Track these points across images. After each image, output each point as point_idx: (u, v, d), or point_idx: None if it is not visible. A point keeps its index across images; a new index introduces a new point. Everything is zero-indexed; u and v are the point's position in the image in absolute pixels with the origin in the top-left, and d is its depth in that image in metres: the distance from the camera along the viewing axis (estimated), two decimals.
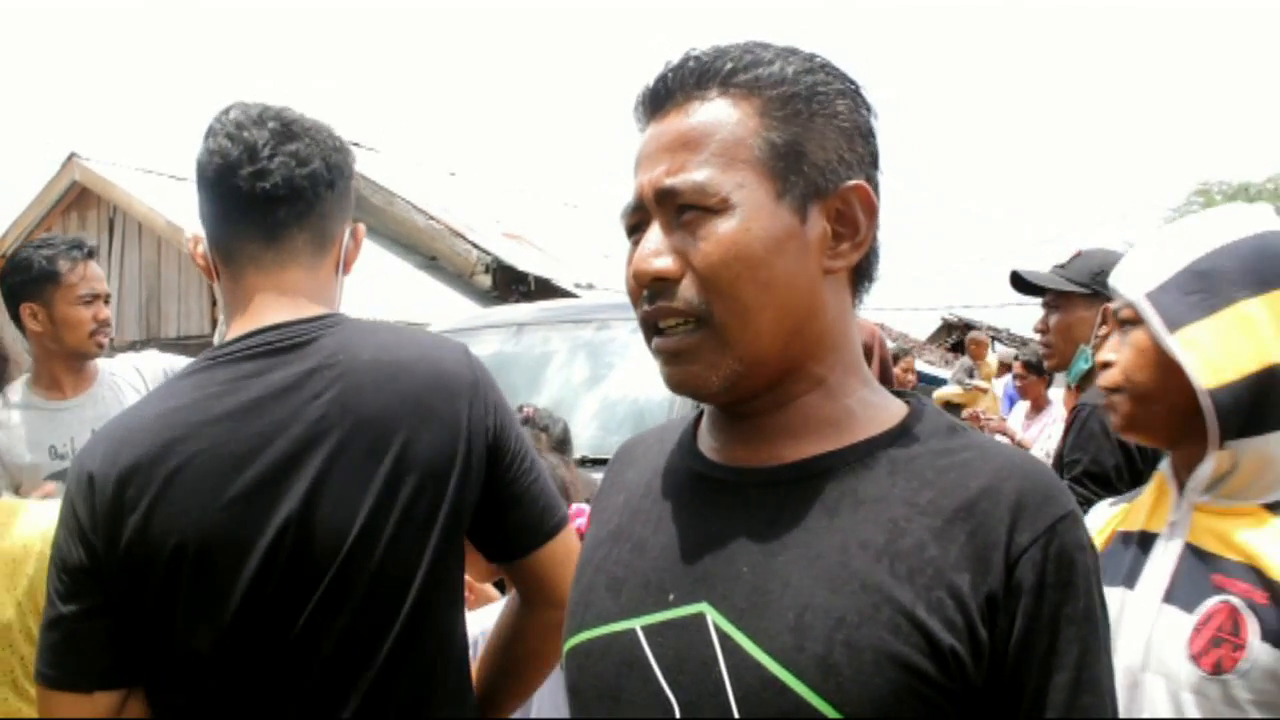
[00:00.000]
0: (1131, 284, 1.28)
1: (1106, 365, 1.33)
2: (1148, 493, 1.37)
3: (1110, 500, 1.51)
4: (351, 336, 1.35)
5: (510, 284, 11.47)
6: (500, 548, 1.42)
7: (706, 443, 0.96)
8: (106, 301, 2.85)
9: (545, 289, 10.90)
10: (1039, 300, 2.53)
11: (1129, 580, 1.29)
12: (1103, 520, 1.43)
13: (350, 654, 1.26)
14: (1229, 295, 1.20)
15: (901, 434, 0.88)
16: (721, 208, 0.85)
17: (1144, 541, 1.31)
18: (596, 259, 13.91)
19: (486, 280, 11.74)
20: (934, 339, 20.08)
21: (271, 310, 1.36)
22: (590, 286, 11.58)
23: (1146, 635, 1.22)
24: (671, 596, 0.86)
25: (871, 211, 0.90)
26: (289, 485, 1.25)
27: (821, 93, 0.88)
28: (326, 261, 1.44)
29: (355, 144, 14.65)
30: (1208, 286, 1.21)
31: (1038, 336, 2.56)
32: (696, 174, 0.85)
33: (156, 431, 1.27)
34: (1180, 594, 1.22)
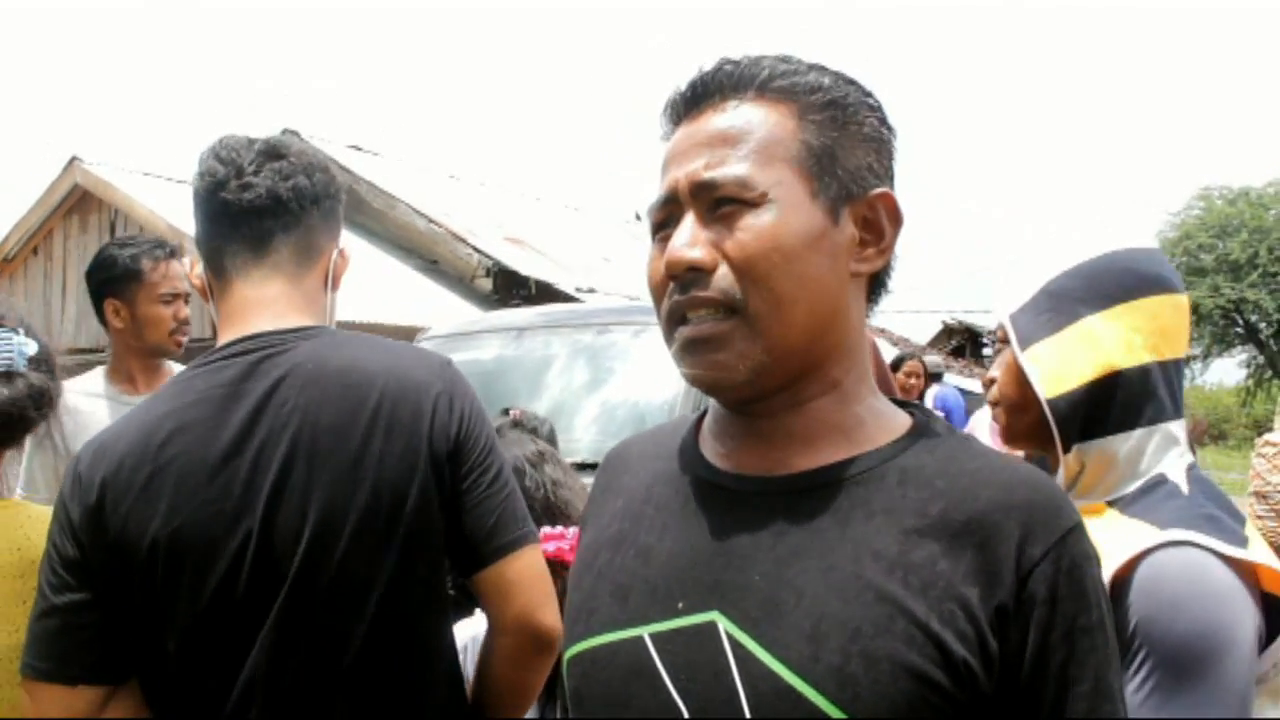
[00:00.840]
0: (1001, 305, 1.40)
1: (992, 382, 1.44)
2: None
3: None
4: (323, 347, 1.39)
5: (511, 288, 11.48)
6: (457, 560, 1.42)
7: (711, 448, 0.95)
8: (187, 301, 2.91)
9: (546, 293, 10.90)
10: None
11: None
12: None
13: (323, 655, 1.30)
14: (1073, 313, 1.31)
15: (909, 444, 0.89)
16: (760, 201, 0.86)
17: None
18: (598, 263, 13.91)
19: (487, 284, 11.75)
20: (935, 343, 20.08)
21: (254, 320, 1.42)
22: (591, 291, 11.58)
23: None
24: (681, 604, 0.86)
25: (896, 220, 0.92)
26: (253, 491, 1.30)
27: (852, 104, 0.91)
28: (312, 274, 1.50)
29: (356, 148, 14.71)
30: (1056, 305, 1.32)
31: None
32: (737, 168, 0.87)
33: (138, 437, 1.33)
34: None
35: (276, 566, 1.29)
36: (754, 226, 0.86)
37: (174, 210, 11.00)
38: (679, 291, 0.88)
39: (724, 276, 0.86)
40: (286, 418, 1.32)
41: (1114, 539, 1.18)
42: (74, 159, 11.49)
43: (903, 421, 0.92)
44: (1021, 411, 1.37)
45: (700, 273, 0.87)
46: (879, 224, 0.92)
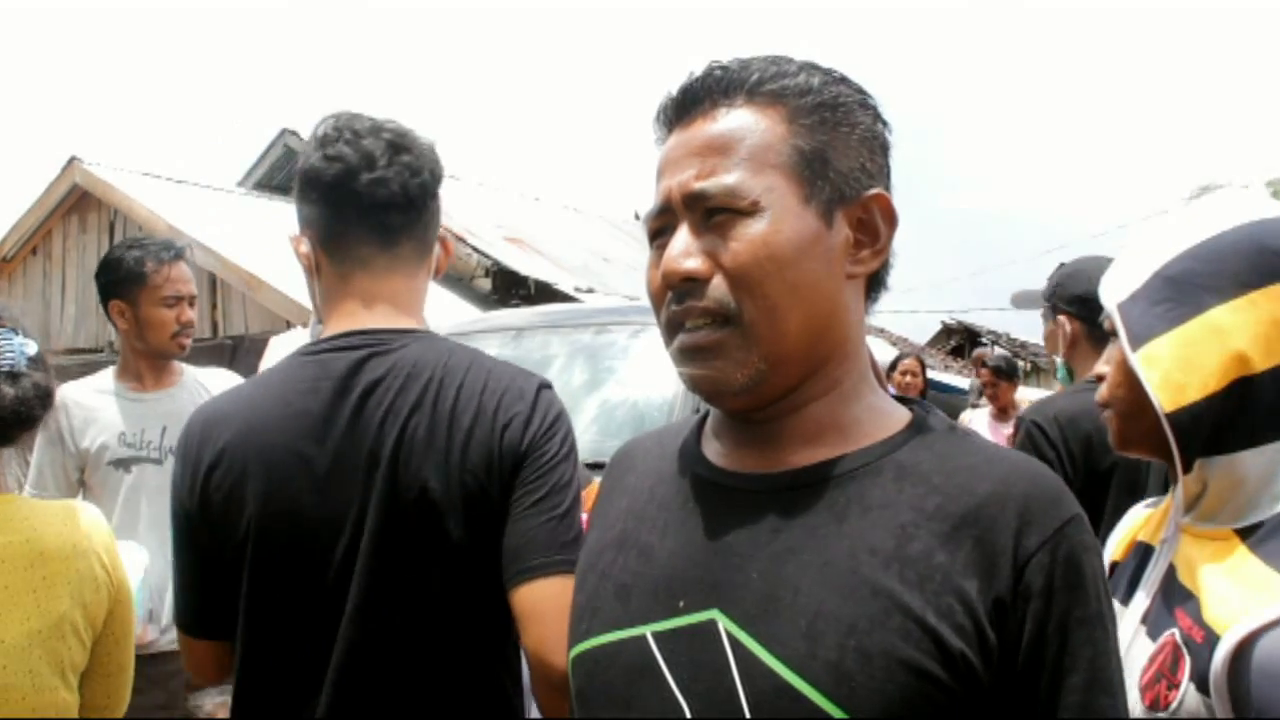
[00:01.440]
0: (1109, 292, 1.20)
1: (1101, 379, 1.27)
2: (1165, 501, 1.28)
3: (1147, 501, 1.40)
4: (427, 352, 1.42)
5: (510, 288, 11.47)
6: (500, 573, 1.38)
7: (712, 448, 0.96)
8: (192, 304, 2.95)
9: (545, 293, 10.89)
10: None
11: (1126, 595, 1.22)
12: (1130, 524, 1.34)
13: (394, 653, 1.35)
14: (1198, 303, 1.09)
15: (907, 440, 0.89)
16: (752, 210, 0.87)
17: (1146, 555, 1.24)
18: (597, 263, 13.90)
19: (486, 284, 11.74)
20: (934, 343, 20.08)
21: (367, 315, 1.46)
22: (590, 291, 11.58)
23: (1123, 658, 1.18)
24: (682, 603, 0.86)
25: (891, 220, 0.92)
26: (347, 487, 1.36)
27: (844, 104, 0.91)
28: (425, 268, 1.54)
29: None
30: (1176, 294, 1.11)
31: (1040, 341, 2.77)
32: (727, 177, 0.87)
33: (245, 418, 1.41)
34: (1152, 619, 1.16)
35: (358, 561, 1.34)
36: (746, 236, 0.86)
37: (174, 211, 10.99)
38: (675, 301, 0.89)
39: (718, 286, 0.87)
40: (383, 418, 1.36)
41: (1242, 591, 1.01)
42: (73, 159, 11.48)
43: (901, 417, 0.92)
44: (1136, 417, 1.18)
45: (696, 282, 0.87)
46: (874, 225, 0.92)
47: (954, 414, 6.93)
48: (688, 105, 0.92)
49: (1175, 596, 1.13)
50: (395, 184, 1.45)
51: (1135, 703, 1.09)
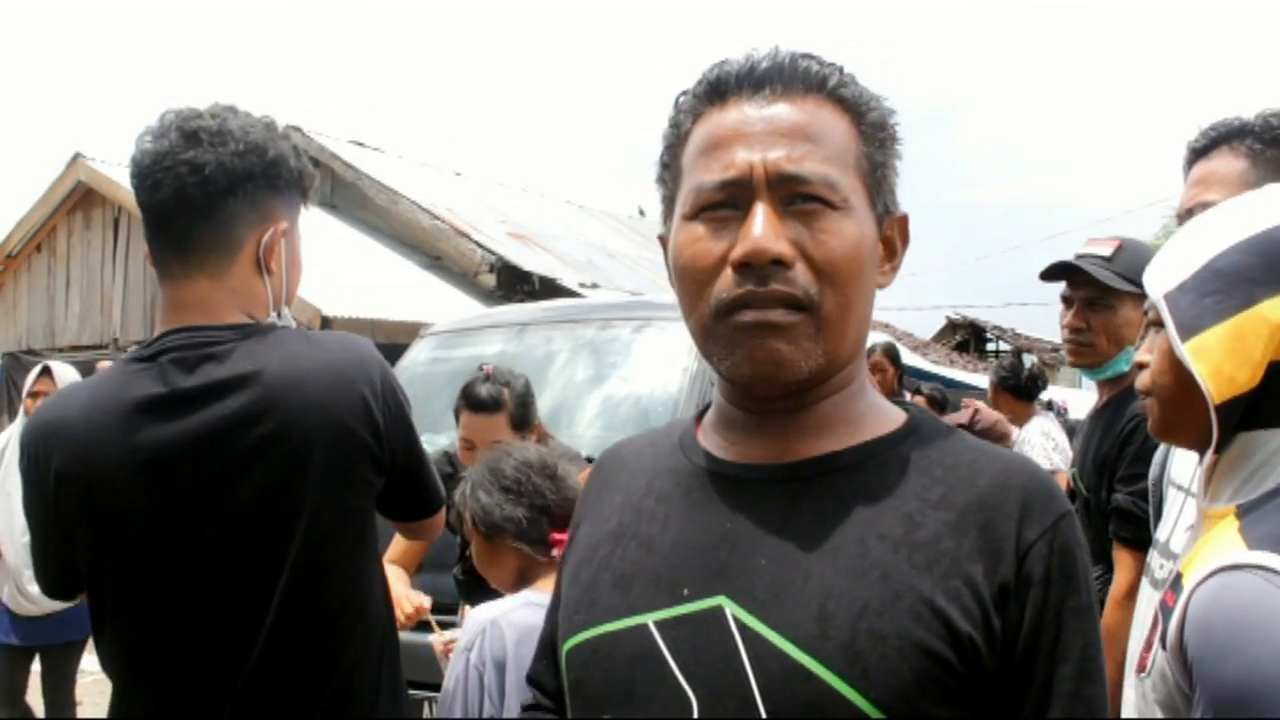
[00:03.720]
0: (1155, 282, 1.19)
1: (1142, 367, 1.28)
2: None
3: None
4: (256, 346, 1.42)
5: (515, 284, 11.47)
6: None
7: (713, 441, 0.96)
8: None
9: (550, 289, 10.90)
10: (1057, 295, 2.38)
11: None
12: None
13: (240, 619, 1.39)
14: (1248, 296, 1.09)
15: (906, 435, 0.91)
16: (842, 206, 0.87)
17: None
18: (601, 259, 13.91)
19: (491, 280, 11.74)
20: (939, 338, 20.07)
21: (175, 318, 1.44)
22: (595, 286, 11.58)
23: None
24: (686, 591, 0.86)
25: (906, 241, 0.96)
26: (182, 491, 1.37)
27: (893, 125, 0.93)
28: (235, 268, 1.46)
29: (359, 144, 14.67)
30: (1226, 287, 1.11)
31: (1063, 334, 2.35)
32: (823, 167, 0.86)
33: (83, 426, 1.40)
34: (1160, 603, 1.18)
35: (207, 545, 1.37)
36: (839, 231, 0.86)
37: None
38: (755, 281, 0.84)
39: (803, 274, 0.85)
40: (227, 417, 1.36)
41: (1208, 554, 1.04)
42: (77, 156, 11.49)
43: (897, 416, 0.94)
44: (1180, 407, 1.19)
45: (780, 266, 0.84)
46: (894, 243, 0.95)
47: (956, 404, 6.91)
48: (762, 80, 0.89)
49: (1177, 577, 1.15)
50: (169, 189, 1.39)
51: (1131, 674, 1.15)
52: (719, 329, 0.87)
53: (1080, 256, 2.26)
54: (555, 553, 1.85)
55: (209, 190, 1.41)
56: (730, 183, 0.87)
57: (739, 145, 0.87)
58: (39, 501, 1.44)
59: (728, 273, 0.86)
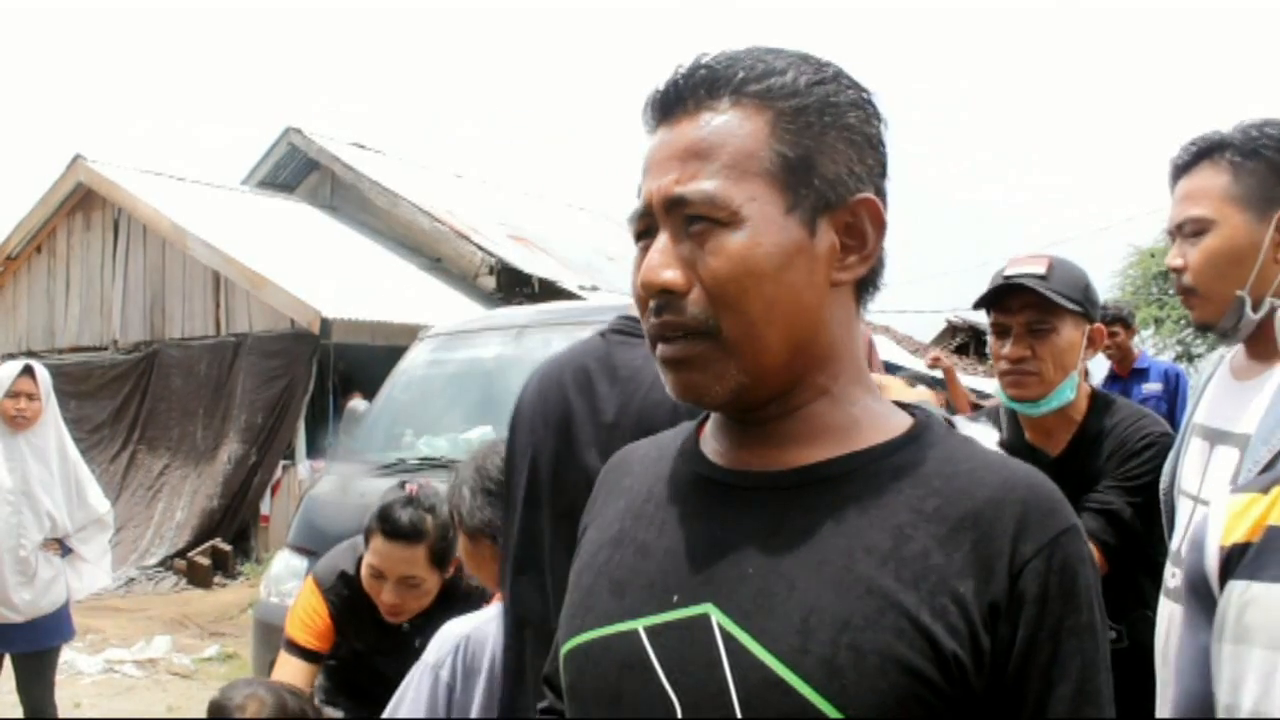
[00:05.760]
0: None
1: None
2: None
3: (1232, 487, 1.31)
4: None
5: (515, 286, 11.48)
6: None
7: (711, 447, 0.95)
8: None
9: (550, 291, 10.90)
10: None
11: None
12: (1229, 512, 1.19)
13: None
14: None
15: (907, 443, 0.88)
16: (731, 221, 0.84)
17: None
18: (601, 261, 13.91)
19: (491, 282, 11.75)
20: (939, 341, 20.06)
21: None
22: (595, 289, 11.58)
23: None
24: (675, 598, 0.86)
25: (880, 225, 0.89)
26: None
27: (833, 104, 0.87)
28: None
29: (360, 146, 14.68)
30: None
31: (999, 366, 2.08)
32: (707, 184, 0.84)
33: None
34: None
35: None
36: (725, 249, 0.84)
37: (177, 209, 11.01)
38: (654, 314, 0.87)
39: (697, 300, 0.84)
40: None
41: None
42: (77, 157, 11.50)
43: (901, 422, 0.91)
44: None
45: (673, 295, 0.85)
46: (861, 230, 0.89)
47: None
48: (672, 103, 0.89)
49: None
50: None
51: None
52: (656, 358, 0.90)
53: (1012, 278, 2.04)
54: None
55: None
56: (641, 214, 0.89)
57: (648, 174, 0.89)
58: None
59: (650, 303, 0.88)
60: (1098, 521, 1.94)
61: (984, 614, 0.79)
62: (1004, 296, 2.04)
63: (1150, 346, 16.77)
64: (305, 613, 2.55)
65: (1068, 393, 2.05)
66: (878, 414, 0.92)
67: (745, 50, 0.89)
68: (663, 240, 0.86)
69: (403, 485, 2.43)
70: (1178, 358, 17.22)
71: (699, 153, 0.85)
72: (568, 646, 0.93)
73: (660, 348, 0.88)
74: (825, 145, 0.87)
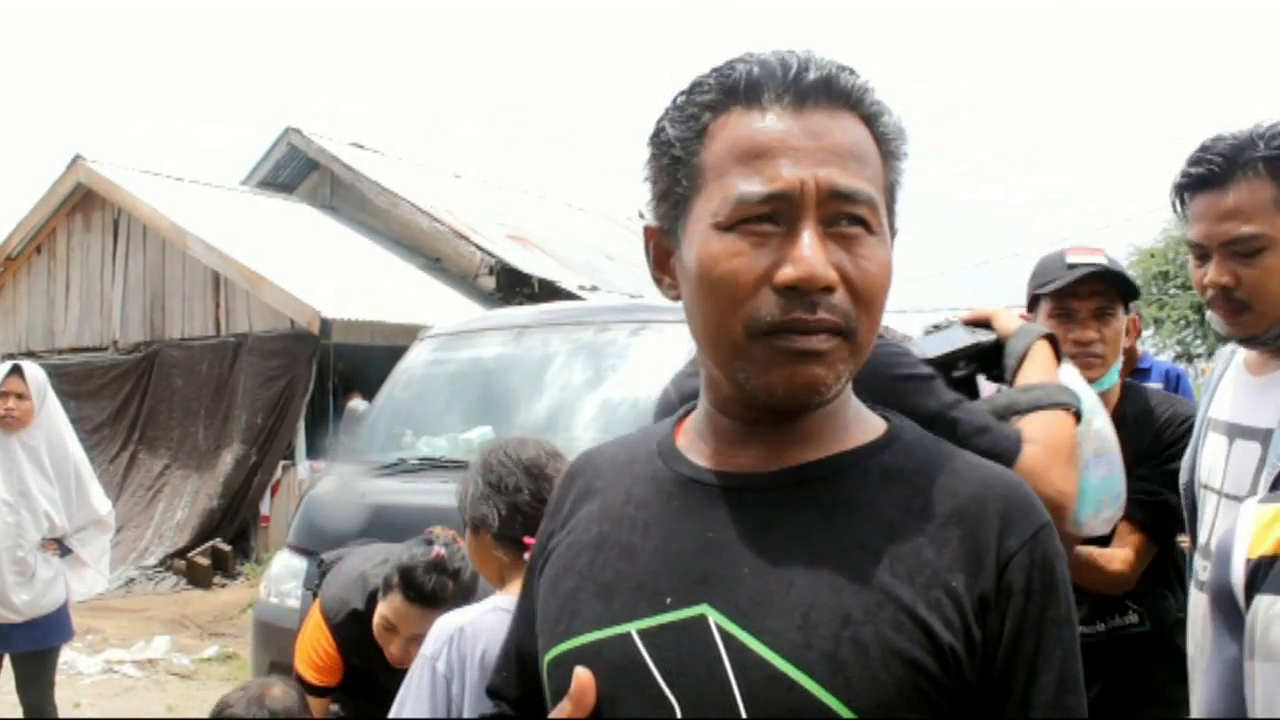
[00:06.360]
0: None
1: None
2: None
3: (1259, 496, 1.35)
4: None
5: (514, 286, 11.49)
6: None
7: (696, 449, 0.95)
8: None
9: (549, 291, 10.91)
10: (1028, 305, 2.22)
11: None
12: (1256, 523, 1.19)
13: None
14: None
15: (888, 444, 0.91)
16: (879, 231, 0.86)
17: None
18: (600, 261, 13.92)
19: (490, 282, 11.76)
20: None
21: None
22: (595, 289, 11.59)
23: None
24: (669, 600, 0.86)
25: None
26: None
27: (904, 142, 0.91)
28: None
29: (359, 146, 14.69)
30: None
31: (1068, 349, 2.07)
32: (869, 188, 0.85)
33: None
34: None
35: None
36: (877, 257, 0.85)
37: (177, 209, 11.02)
38: (804, 309, 0.82)
39: (843, 299, 0.84)
40: None
41: None
42: (77, 158, 11.51)
43: (878, 425, 0.94)
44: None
45: (826, 292, 0.83)
46: None
47: None
48: (807, 92, 0.86)
49: None
50: None
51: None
52: (754, 349, 0.84)
53: (1076, 265, 2.15)
54: (527, 556, 1.83)
55: None
56: (775, 196, 0.83)
57: (784, 158, 0.84)
58: None
59: (768, 293, 0.83)
60: (1150, 514, 2.01)
61: (975, 606, 0.82)
62: (1084, 282, 2.14)
63: (1150, 346, 16.80)
64: (315, 653, 2.56)
65: (1114, 376, 2.17)
66: (862, 417, 0.94)
67: (850, 66, 0.90)
68: (816, 235, 0.83)
69: (429, 539, 2.35)
70: (1177, 358, 17.27)
71: (854, 155, 0.86)
72: (552, 654, 0.92)
73: (798, 339, 0.83)
74: (898, 178, 0.91)
